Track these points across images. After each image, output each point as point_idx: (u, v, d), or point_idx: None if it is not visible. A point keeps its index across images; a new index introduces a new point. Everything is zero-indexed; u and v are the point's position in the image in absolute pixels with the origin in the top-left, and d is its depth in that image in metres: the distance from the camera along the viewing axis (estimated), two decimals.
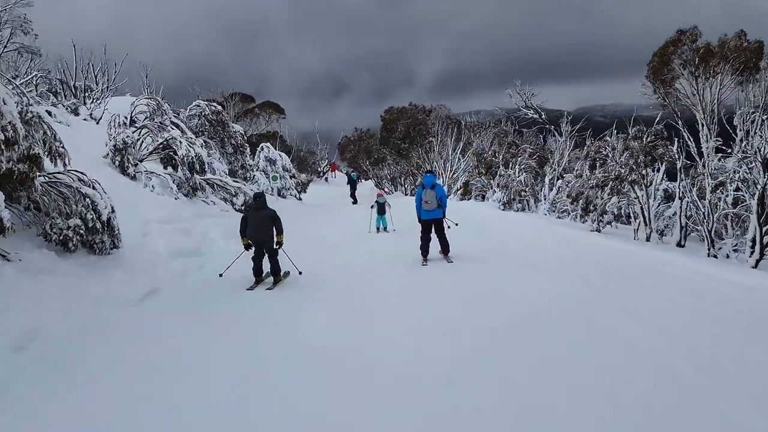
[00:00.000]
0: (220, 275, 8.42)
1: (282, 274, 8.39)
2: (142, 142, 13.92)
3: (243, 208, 14.88)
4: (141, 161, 13.39)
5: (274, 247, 8.28)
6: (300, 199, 29.26)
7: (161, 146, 13.48)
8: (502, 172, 19.61)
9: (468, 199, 24.42)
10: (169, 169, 13.76)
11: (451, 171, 29.31)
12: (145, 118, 16.45)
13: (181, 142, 13.24)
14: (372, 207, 14.62)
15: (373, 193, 16.01)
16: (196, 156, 13.39)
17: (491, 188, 24.06)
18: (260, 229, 8.18)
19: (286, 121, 50.02)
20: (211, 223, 12.56)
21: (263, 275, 8.29)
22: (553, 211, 18.06)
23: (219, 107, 18.45)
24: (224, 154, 18.73)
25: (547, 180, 19.06)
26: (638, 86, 21.68)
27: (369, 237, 13.29)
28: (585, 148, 15.05)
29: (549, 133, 29.68)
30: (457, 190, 25.11)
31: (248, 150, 19.91)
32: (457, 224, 10.95)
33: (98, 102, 19.84)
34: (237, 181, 18.68)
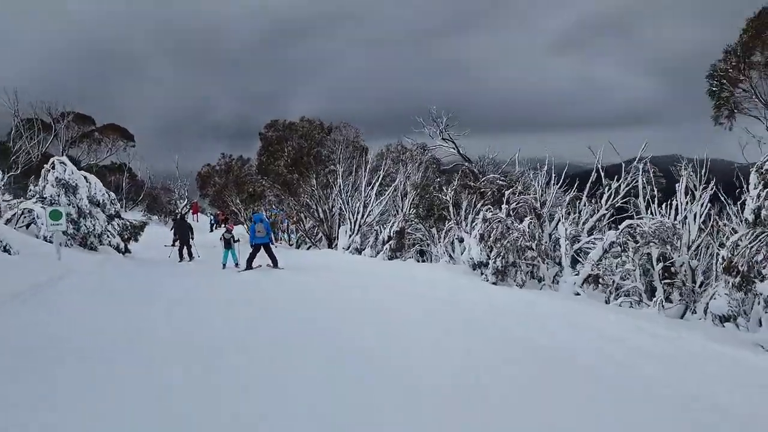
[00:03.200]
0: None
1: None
2: None
3: None
4: None
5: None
6: (126, 251, 18.31)
7: None
8: (489, 216, 10.99)
9: (403, 258, 15.48)
10: None
11: (363, 214, 20.36)
12: None
13: None
14: (221, 239, 15.03)
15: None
16: None
17: (438, 242, 15.51)
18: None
19: (138, 152, 41.25)
20: None
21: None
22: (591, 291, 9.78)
23: None
24: None
25: (562, 232, 10.89)
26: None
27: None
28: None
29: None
30: (384, 242, 16.08)
31: None
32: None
33: None
34: None
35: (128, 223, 22.80)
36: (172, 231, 20.62)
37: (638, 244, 8.62)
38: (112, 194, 19.35)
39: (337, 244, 21.19)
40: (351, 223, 20.50)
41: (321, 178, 23.39)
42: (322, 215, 23.56)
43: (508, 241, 10.26)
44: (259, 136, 24.53)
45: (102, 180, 44.17)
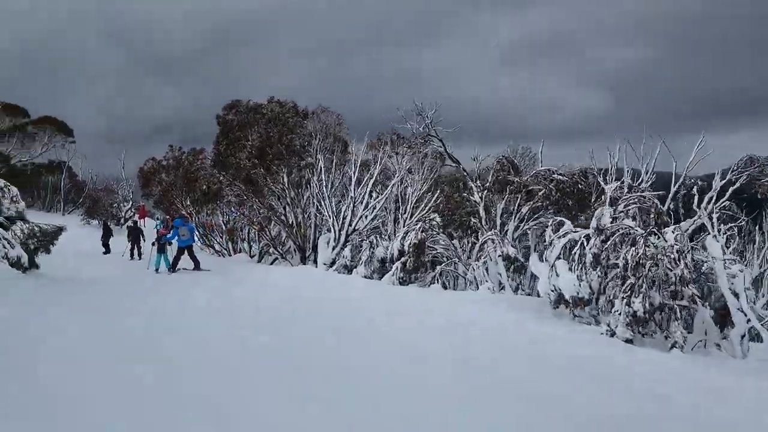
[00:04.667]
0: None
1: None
2: None
3: None
4: None
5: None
6: (32, 266, 13.07)
7: None
8: (605, 224, 6.60)
9: (422, 283, 10.91)
10: None
11: (351, 221, 15.73)
12: None
13: None
14: (153, 244, 14.88)
15: None
16: None
17: (469, 260, 11.13)
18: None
19: (79, 149, 37.49)
20: None
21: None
22: None
23: None
24: None
25: (717, 251, 6.65)
26: None
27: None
28: None
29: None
30: (393, 259, 11.47)
31: None
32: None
33: None
34: None
35: (36, 228, 17.20)
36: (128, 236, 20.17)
37: None
38: (14, 188, 14.17)
39: (315, 259, 16.43)
40: (336, 231, 15.80)
41: (294, 175, 18.59)
42: (293, 220, 18.73)
43: (652, 270, 5.89)
44: (216, 120, 19.53)
45: (37, 179, 37.38)
